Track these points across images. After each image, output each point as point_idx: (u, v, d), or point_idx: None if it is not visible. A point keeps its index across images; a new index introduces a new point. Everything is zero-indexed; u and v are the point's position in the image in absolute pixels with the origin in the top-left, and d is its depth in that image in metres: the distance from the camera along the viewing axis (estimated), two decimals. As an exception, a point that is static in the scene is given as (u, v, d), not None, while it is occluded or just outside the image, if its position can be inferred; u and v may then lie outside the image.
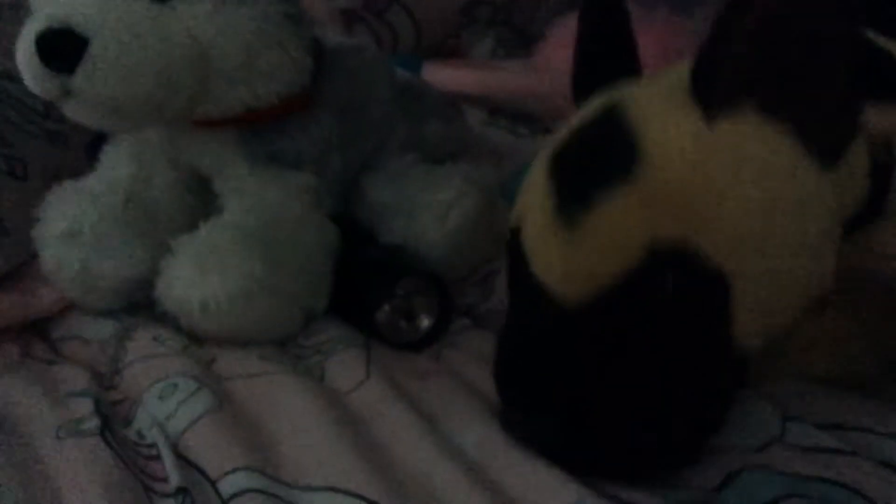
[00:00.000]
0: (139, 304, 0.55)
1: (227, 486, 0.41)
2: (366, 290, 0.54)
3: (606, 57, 0.42)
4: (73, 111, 0.50)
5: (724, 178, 0.33)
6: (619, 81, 0.39)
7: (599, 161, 0.35)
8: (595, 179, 0.34)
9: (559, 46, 0.84)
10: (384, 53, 0.67)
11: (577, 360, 0.36)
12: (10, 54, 0.49)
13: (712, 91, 0.34)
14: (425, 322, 0.53)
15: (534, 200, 0.38)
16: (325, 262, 0.54)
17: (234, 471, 0.41)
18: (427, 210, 0.57)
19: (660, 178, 0.33)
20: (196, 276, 0.49)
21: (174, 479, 0.41)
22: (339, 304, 0.55)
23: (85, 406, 0.46)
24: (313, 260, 0.53)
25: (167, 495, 0.41)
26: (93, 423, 0.45)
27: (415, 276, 0.53)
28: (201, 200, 0.57)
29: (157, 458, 0.43)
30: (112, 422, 0.46)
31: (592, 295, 0.34)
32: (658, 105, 0.35)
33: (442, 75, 0.82)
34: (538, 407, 0.38)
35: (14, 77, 0.56)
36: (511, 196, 0.69)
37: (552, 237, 0.36)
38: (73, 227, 0.54)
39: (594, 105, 0.38)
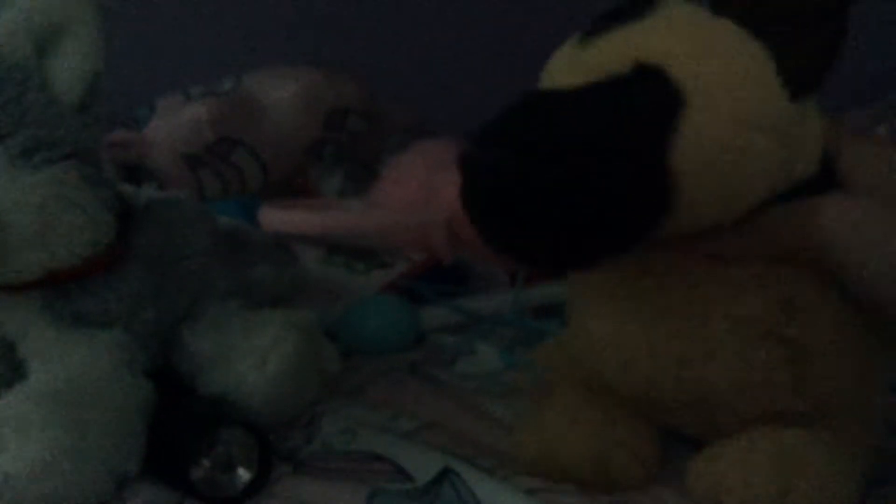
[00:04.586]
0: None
1: None
2: (181, 446, 0.52)
3: None
4: None
5: (707, 34, 0.44)
6: None
7: (622, 9, 0.46)
8: (615, 20, 0.46)
9: (393, 184, 0.87)
10: (202, 204, 0.68)
11: (554, 124, 0.43)
12: None
13: None
14: (245, 475, 0.52)
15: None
16: (137, 422, 0.52)
17: None
18: (246, 357, 0.56)
19: (662, 20, 0.45)
20: (-5, 447, 0.47)
21: None
22: (156, 463, 0.53)
23: None
24: (124, 420, 0.52)
25: None
26: None
27: (232, 427, 0.53)
28: (9, 367, 0.55)
29: None
30: None
31: (584, 82, 0.44)
32: None
33: (278, 218, 0.84)
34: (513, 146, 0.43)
35: None
36: (344, 333, 0.70)
37: (570, 53, 0.46)
38: None
39: None
